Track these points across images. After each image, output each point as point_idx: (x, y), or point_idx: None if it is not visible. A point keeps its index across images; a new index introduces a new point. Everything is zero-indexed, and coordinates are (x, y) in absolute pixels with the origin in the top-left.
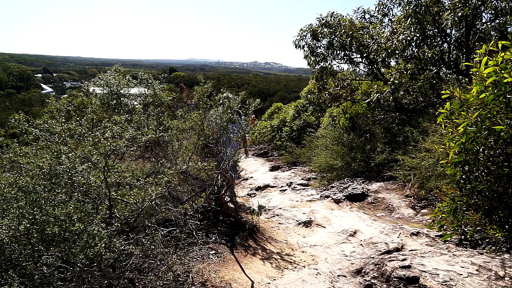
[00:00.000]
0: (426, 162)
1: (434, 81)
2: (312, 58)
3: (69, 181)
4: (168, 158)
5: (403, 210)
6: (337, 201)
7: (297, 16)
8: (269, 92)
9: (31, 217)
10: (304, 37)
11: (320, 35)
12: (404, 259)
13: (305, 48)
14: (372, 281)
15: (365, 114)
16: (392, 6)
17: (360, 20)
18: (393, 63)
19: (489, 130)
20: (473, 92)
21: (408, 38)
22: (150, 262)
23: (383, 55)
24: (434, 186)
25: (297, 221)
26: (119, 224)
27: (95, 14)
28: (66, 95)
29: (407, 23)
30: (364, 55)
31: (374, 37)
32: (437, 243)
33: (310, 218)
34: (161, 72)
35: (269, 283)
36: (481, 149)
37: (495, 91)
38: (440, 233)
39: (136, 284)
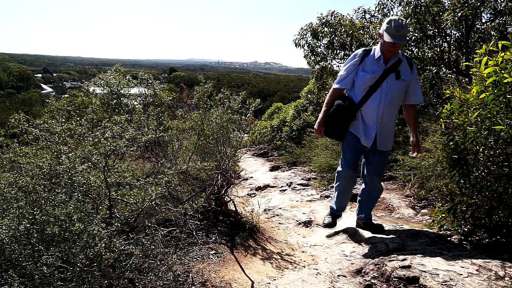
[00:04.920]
0: (426, 162)
1: (434, 81)
2: (312, 58)
3: (69, 181)
4: (168, 158)
5: (403, 210)
6: None
7: (297, 16)
8: (269, 92)
9: (31, 217)
10: (304, 36)
11: (320, 34)
12: (404, 259)
13: (305, 47)
14: (372, 281)
15: None
16: (392, 6)
17: (361, 19)
18: None
19: (489, 130)
20: (473, 92)
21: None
22: (150, 262)
23: None
24: (434, 186)
25: (297, 221)
26: (119, 224)
27: (95, 14)
28: (66, 95)
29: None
30: None
31: (374, 36)
32: (437, 243)
33: (310, 218)
34: (161, 72)
35: (269, 283)
36: (481, 149)
37: (495, 91)
38: (440, 233)
39: (136, 284)
